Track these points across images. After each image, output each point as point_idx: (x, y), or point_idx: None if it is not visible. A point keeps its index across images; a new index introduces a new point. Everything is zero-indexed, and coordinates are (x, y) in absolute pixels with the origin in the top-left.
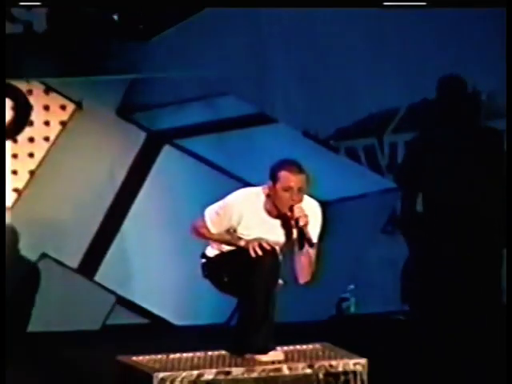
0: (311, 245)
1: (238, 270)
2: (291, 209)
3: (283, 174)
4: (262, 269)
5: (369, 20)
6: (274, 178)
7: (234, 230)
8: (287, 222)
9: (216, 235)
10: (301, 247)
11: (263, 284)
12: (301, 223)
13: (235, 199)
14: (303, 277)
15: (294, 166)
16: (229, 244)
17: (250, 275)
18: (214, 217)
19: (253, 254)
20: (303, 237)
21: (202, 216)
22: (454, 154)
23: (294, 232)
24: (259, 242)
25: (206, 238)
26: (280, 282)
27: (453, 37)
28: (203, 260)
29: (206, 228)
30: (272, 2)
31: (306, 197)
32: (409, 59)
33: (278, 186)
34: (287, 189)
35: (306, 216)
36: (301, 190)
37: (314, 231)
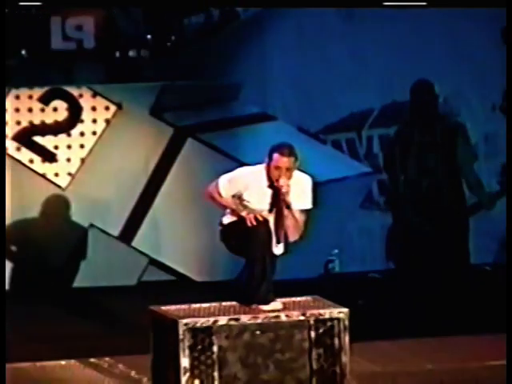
0: (288, 207)
1: (241, 235)
2: (277, 180)
3: (275, 155)
4: (256, 236)
5: (352, 36)
6: (269, 157)
7: (240, 197)
8: (275, 190)
9: (224, 200)
10: (282, 209)
11: (259, 248)
12: (283, 190)
13: (244, 171)
14: (291, 235)
15: (285, 149)
16: (234, 211)
17: (248, 241)
18: (226, 183)
19: (249, 224)
20: (284, 201)
21: (216, 182)
22: (424, 144)
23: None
24: (255, 214)
25: (217, 201)
26: (281, 248)
27: (419, 49)
28: (220, 227)
29: (218, 192)
30: (272, 2)
31: (298, 173)
32: (381, 69)
33: (272, 164)
34: (277, 167)
35: (288, 186)
36: (288, 170)
37: (302, 198)
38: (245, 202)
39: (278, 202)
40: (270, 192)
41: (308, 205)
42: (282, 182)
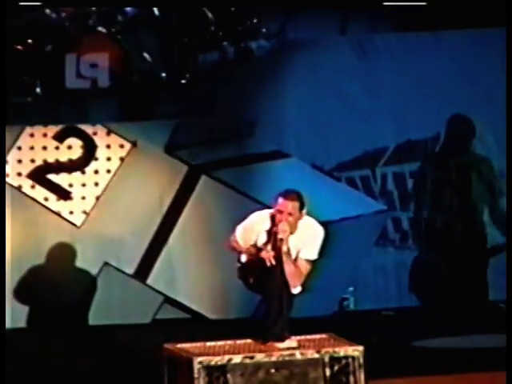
0: (279, 253)
1: (259, 274)
2: (277, 225)
3: (279, 199)
4: (273, 274)
5: (367, 74)
6: (275, 201)
7: (255, 245)
8: (275, 234)
9: (244, 247)
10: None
11: (276, 286)
12: (279, 236)
13: (255, 218)
14: (291, 283)
15: (289, 194)
16: (254, 254)
17: (265, 279)
18: (242, 232)
19: (268, 264)
20: (279, 246)
21: (234, 233)
22: (442, 182)
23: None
24: (274, 253)
25: (237, 250)
26: (299, 288)
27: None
28: (238, 264)
29: (237, 242)
30: (272, 2)
31: (313, 221)
32: (396, 107)
33: (275, 207)
34: (279, 211)
35: (285, 232)
36: (291, 214)
37: (310, 247)
38: (261, 247)
39: (275, 245)
40: (272, 235)
41: (313, 256)
42: (281, 227)
